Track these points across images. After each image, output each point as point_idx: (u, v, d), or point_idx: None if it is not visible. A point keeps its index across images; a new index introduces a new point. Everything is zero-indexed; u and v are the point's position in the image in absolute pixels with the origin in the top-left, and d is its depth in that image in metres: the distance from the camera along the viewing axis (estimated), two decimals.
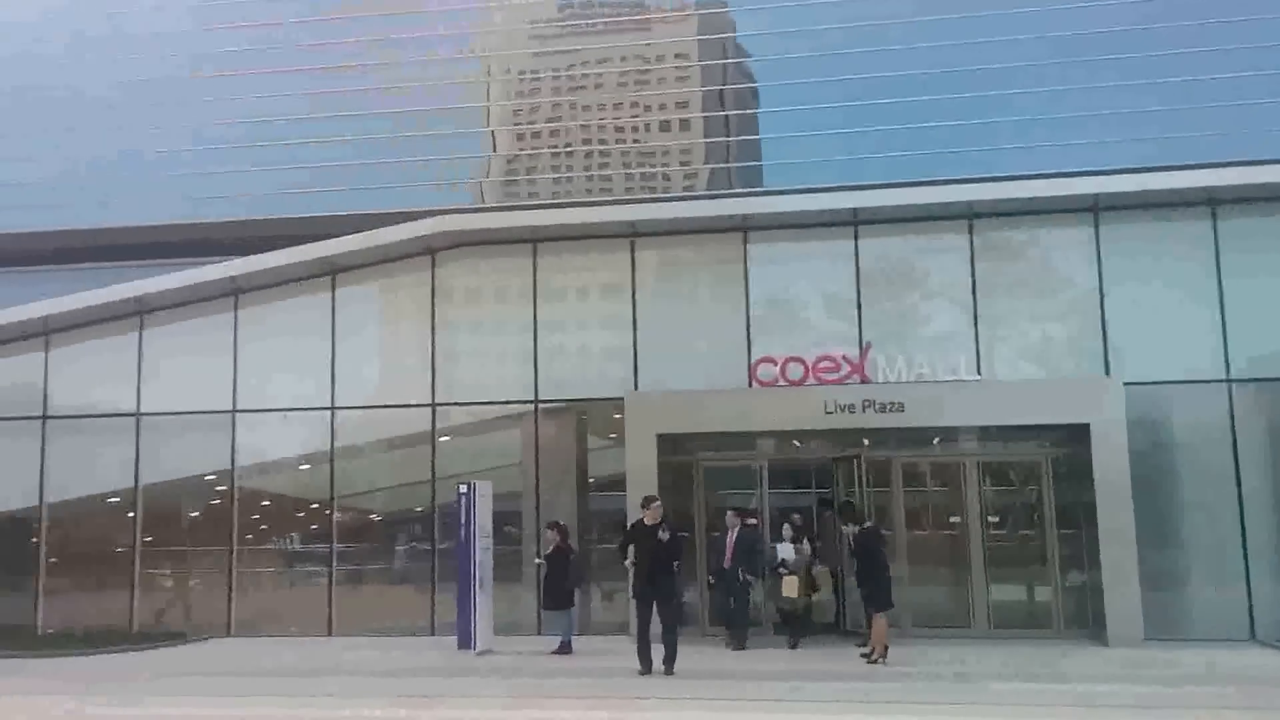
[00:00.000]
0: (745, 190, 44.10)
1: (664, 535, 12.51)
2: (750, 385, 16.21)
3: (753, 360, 16.37)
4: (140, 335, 18.21)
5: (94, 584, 18.10)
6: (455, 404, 17.42)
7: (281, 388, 17.78)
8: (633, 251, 17.39)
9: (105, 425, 18.05)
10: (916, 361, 16.14)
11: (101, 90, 51.77)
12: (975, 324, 16.51)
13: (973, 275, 16.72)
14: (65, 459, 18.07)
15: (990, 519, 16.04)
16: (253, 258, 18.13)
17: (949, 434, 16.46)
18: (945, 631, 15.30)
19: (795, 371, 16.00)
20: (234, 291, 18.09)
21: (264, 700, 11.09)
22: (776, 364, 16.07)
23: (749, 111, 49.98)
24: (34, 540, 18.01)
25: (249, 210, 48.35)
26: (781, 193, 20.67)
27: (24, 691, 11.97)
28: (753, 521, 15.55)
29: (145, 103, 51.62)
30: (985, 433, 16.35)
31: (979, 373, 16.17)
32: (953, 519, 16.19)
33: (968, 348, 16.40)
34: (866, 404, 15.28)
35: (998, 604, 15.62)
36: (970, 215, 16.91)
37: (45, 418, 18.16)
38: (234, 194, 49.17)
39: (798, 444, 17.15)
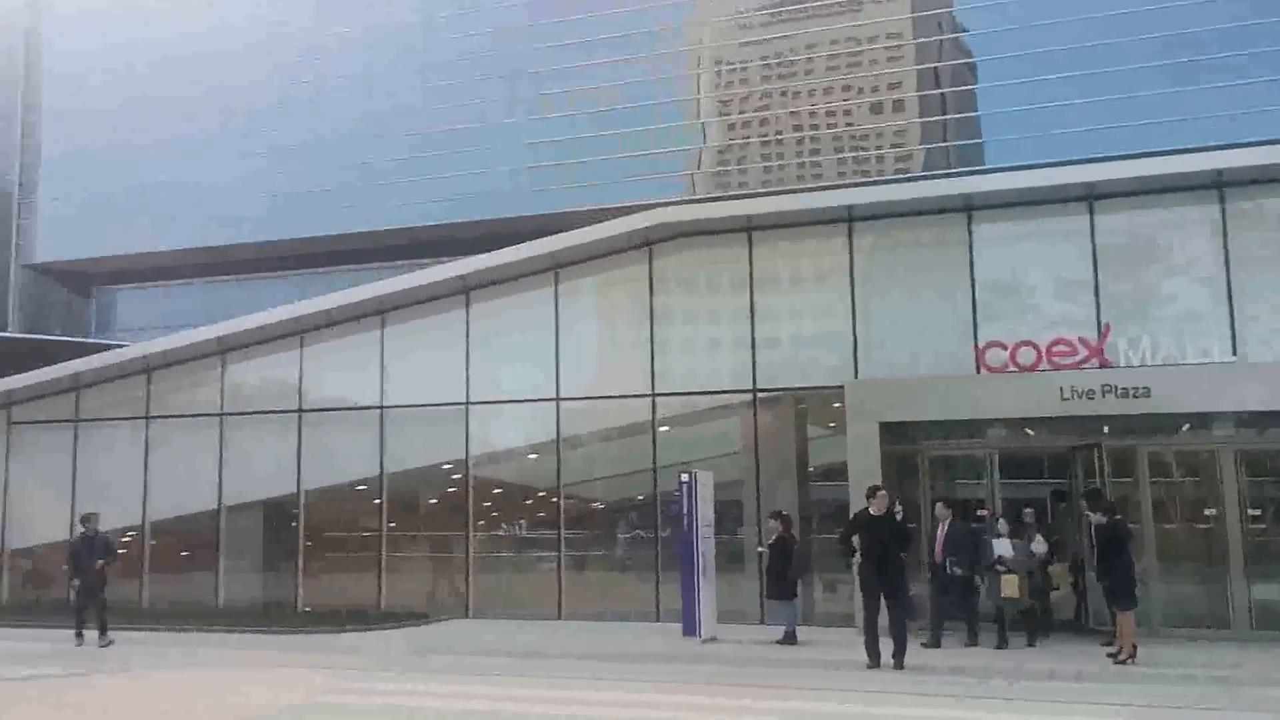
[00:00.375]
0: (970, 169, 42.43)
1: (898, 512, 12.29)
2: (978, 371, 15.62)
3: (980, 345, 15.76)
4: (382, 333, 19.37)
5: (345, 565, 19.47)
6: (674, 394, 17.63)
7: (510, 380, 18.51)
8: (850, 237, 17.09)
9: (352, 418, 19.35)
10: (1162, 344, 15.13)
11: (336, 105, 55.51)
12: (1229, 301, 15.31)
13: (1225, 249, 15.51)
14: (318, 449, 19.49)
15: (1250, 511, 14.80)
16: (481, 256, 18.97)
17: (1200, 421, 15.29)
18: (1199, 632, 14.25)
19: (1027, 356, 15.29)
20: (465, 290, 18.96)
21: (505, 680, 11.60)
22: (1006, 349, 15.41)
23: (967, 88, 48.11)
24: (293, 524, 19.53)
25: (477, 212, 50.80)
26: (1008, 169, 19.73)
27: (286, 665, 13.01)
28: (983, 513, 14.98)
29: (378, 114, 54.96)
30: (1241, 419, 15.08)
31: (1233, 354, 14.98)
32: (1206, 511, 15.04)
33: (1220, 327, 15.24)
34: (1107, 389, 14.40)
35: (1261, 603, 14.38)
36: (1219, 184, 15.69)
37: (301, 411, 19.62)
38: (461, 196, 51.71)
39: (1030, 432, 16.38)
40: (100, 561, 15.24)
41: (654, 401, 17.64)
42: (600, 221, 18.67)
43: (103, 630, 14.96)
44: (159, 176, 58.19)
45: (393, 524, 19.15)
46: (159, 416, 20.48)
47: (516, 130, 51.98)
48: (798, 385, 17.16)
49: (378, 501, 19.13)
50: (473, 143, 52.66)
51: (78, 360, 21.23)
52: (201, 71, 58.62)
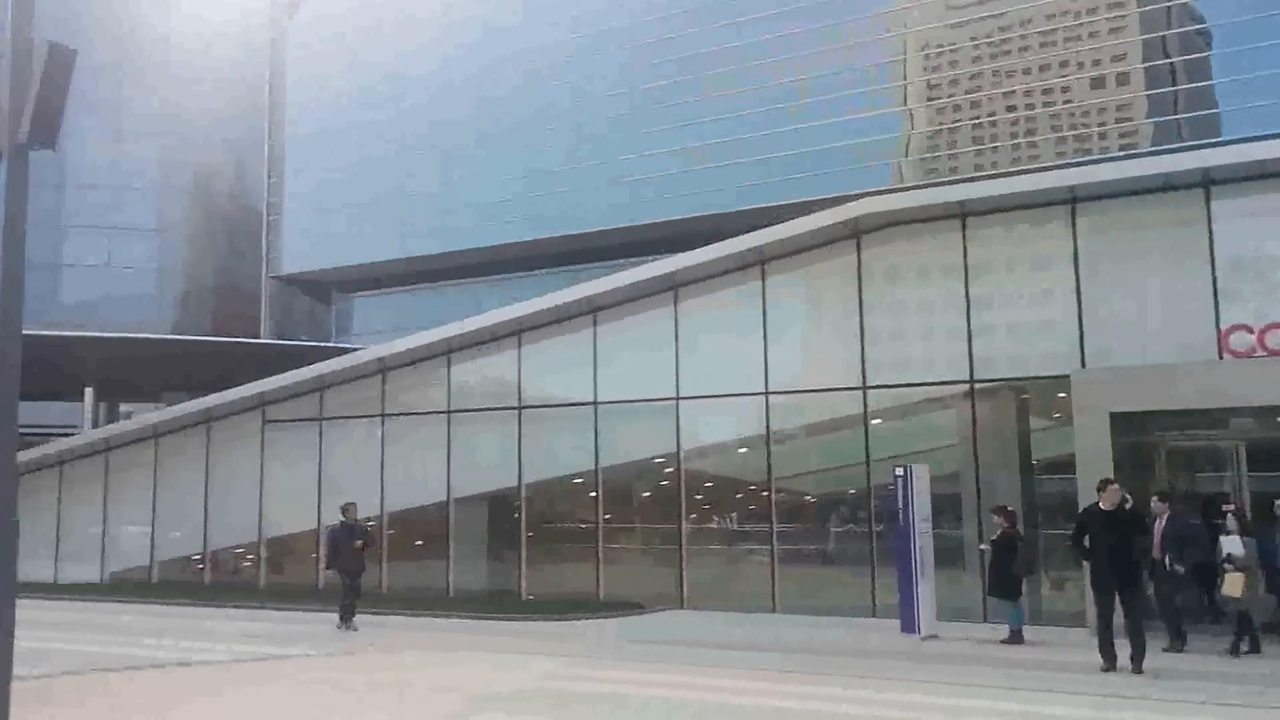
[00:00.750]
0: (1205, 141, 39.44)
1: (1127, 501, 11.67)
2: (1220, 357, 14.55)
3: (1222, 329, 14.68)
4: (594, 331, 19.94)
5: (564, 556, 20.18)
6: (886, 386, 17.30)
7: (718, 375, 18.64)
8: (1072, 218, 16.26)
9: (568, 413, 20.02)
10: None
11: (548, 114, 57.39)
12: None
13: None
14: (537, 444, 20.27)
15: None
16: (687, 254, 19.21)
17: None
18: None
19: (1277, 339, 14.11)
20: (672, 287, 19.24)
21: (721, 672, 11.71)
22: (1253, 332, 14.30)
23: (1199, 56, 44.71)
24: (515, 516, 20.39)
25: (682, 210, 51.45)
26: (1250, 140, 18.14)
27: (513, 650, 13.61)
28: (1228, 508, 13.94)
29: (588, 119, 56.47)
30: None
31: None
32: None
33: None
34: None
35: None
36: None
37: (520, 408, 20.47)
38: (668, 196, 52.49)
39: None
40: (359, 543, 16.24)
41: (865, 394, 17.36)
42: (805, 214, 18.53)
43: (350, 614, 15.95)
44: (387, 189, 61.97)
45: (608, 516, 19.70)
46: (392, 414, 21.84)
47: (718, 127, 52.21)
48: (1018, 375, 16.53)
49: (593, 494, 19.71)
50: (677, 141, 53.29)
51: (321, 363, 22.94)
52: (424, 87, 61.99)
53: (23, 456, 23.48)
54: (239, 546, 23.62)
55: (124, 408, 50.19)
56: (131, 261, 67.44)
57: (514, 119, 58.47)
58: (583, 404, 19.76)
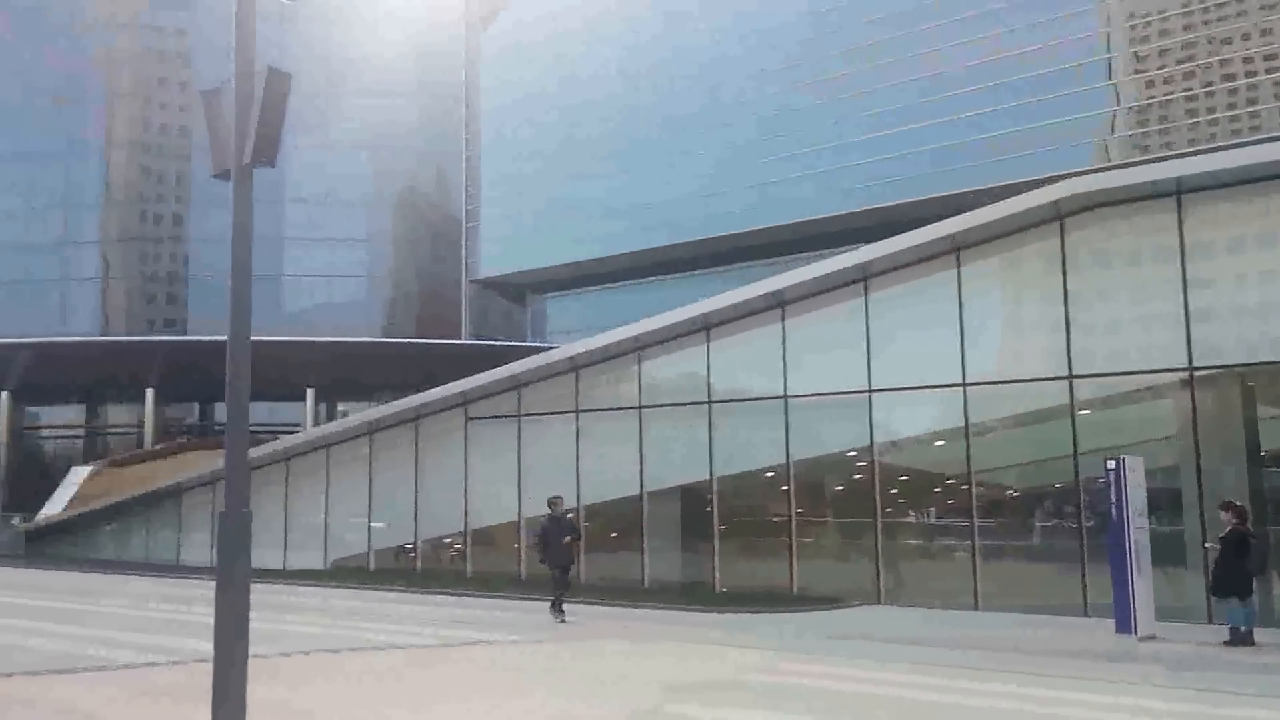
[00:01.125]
0: None
1: None
2: None
3: None
4: (783, 325, 19.81)
5: (757, 549, 20.18)
6: (1096, 375, 16.45)
7: (912, 366, 18.20)
8: None
9: (758, 407, 19.98)
10: None
11: (731, 112, 57.41)
12: None
13: None
14: (727, 438, 20.33)
15: None
16: (878, 244, 18.80)
17: None
18: None
19: None
20: (863, 277, 18.89)
21: (926, 670, 11.39)
22: None
23: None
24: (707, 509, 20.52)
25: (870, 200, 50.49)
26: None
27: (710, 642, 13.69)
28: None
29: (771, 116, 56.16)
30: None
31: None
32: None
33: None
34: None
35: None
36: None
37: (710, 402, 20.58)
38: (856, 187, 51.60)
39: None
40: (567, 538, 16.60)
41: (1071, 384, 16.56)
42: (999, 199, 17.81)
43: (560, 604, 16.20)
44: (576, 191, 63.57)
45: (800, 509, 19.55)
46: (586, 410, 22.38)
47: (907, 112, 50.91)
48: (1243, 361, 15.39)
49: (785, 488, 19.60)
50: (865, 129, 52.30)
51: (516, 363, 23.76)
52: (608, 88, 63.20)
53: (254, 453, 25.39)
54: (446, 536, 24.77)
55: (341, 407, 53.57)
56: (343, 270, 71.78)
57: (698, 113, 58.88)
58: (773, 398, 19.68)
